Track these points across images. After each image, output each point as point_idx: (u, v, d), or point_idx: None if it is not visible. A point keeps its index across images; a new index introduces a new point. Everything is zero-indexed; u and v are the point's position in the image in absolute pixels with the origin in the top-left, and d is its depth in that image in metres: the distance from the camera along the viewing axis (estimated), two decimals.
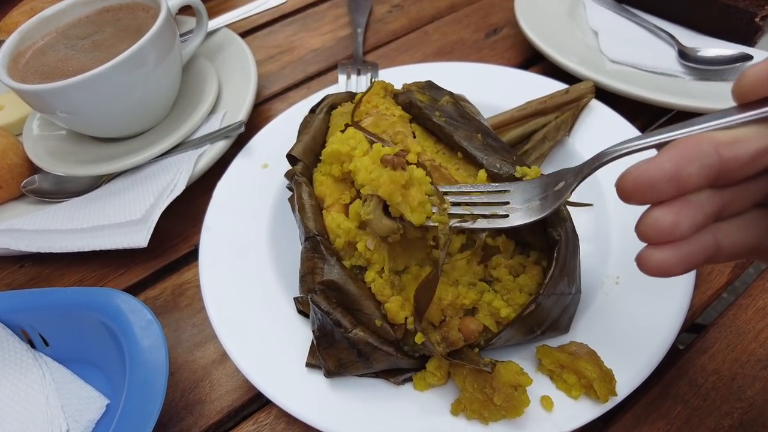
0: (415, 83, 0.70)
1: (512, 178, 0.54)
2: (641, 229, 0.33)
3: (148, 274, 0.71)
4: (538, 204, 0.46)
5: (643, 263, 0.34)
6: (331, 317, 0.48)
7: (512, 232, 0.56)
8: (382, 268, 0.50)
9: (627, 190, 0.32)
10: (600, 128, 0.72)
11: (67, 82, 0.65)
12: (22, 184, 0.76)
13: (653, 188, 0.31)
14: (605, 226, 0.64)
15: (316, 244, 0.51)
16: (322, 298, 0.49)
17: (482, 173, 0.54)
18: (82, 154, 0.78)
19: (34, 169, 0.79)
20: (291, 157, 0.61)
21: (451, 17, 1.02)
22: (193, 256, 0.72)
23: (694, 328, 0.59)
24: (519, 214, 0.46)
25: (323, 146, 0.63)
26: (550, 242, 0.50)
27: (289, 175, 0.59)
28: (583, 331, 0.54)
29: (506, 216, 0.46)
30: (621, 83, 0.78)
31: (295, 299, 0.58)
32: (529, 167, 0.54)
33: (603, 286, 0.58)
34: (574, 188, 0.43)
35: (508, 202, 0.47)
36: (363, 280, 0.51)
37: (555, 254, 0.48)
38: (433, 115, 0.62)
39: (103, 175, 0.75)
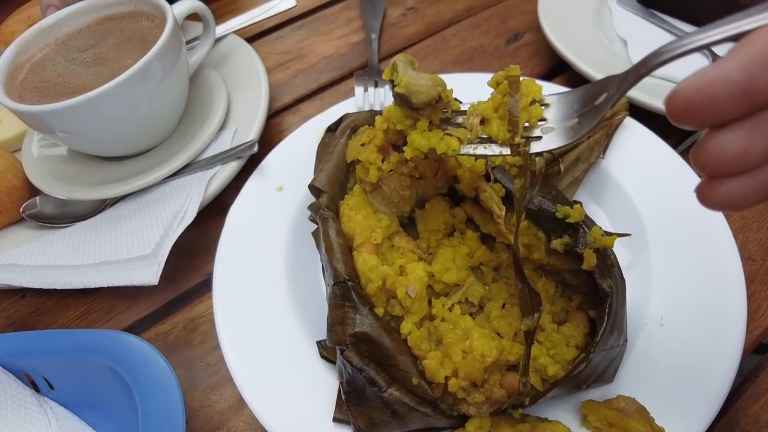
0: None
1: (552, 218, 0.50)
2: (700, 158, 0.27)
3: (157, 306, 0.67)
4: (576, 122, 0.40)
5: (703, 196, 0.28)
6: (364, 374, 0.45)
7: (553, 272, 0.52)
8: (421, 319, 0.47)
9: (680, 110, 0.26)
10: (636, 149, 0.68)
11: (69, 102, 0.60)
12: (21, 208, 0.71)
13: (715, 106, 0.24)
14: (645, 259, 0.60)
15: (347, 291, 0.48)
16: (354, 353, 0.45)
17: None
18: (85, 175, 0.74)
19: (34, 191, 0.74)
20: (314, 189, 0.56)
21: (469, 21, 0.97)
22: (205, 286, 0.68)
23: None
24: (554, 135, 0.41)
25: (348, 174, 0.58)
26: (600, 294, 0.46)
27: (313, 209, 0.55)
28: (628, 381, 0.51)
29: (539, 138, 0.41)
30: (654, 98, 0.73)
31: (319, 344, 0.54)
32: (572, 206, 0.50)
33: (646, 327, 0.54)
34: (617, 100, 0.36)
35: (545, 120, 0.42)
36: (398, 331, 0.47)
37: (606, 309, 0.45)
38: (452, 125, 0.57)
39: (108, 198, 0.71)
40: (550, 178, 0.65)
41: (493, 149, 0.43)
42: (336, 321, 0.47)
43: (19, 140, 0.80)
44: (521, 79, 0.43)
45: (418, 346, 0.45)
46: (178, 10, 0.74)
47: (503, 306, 0.51)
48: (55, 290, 0.67)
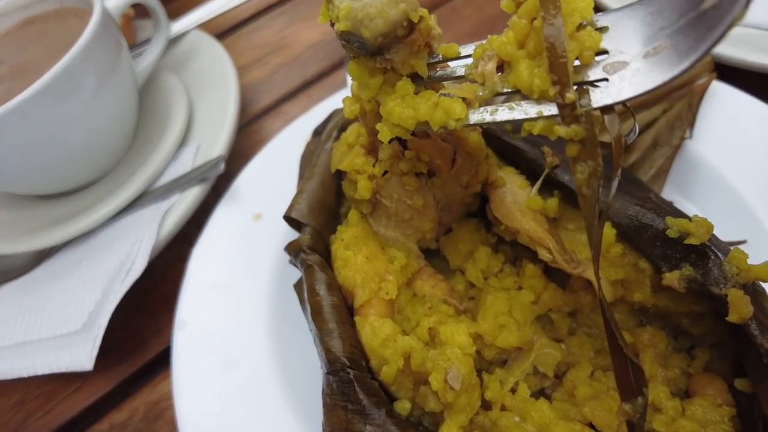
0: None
1: (660, 238, 0.32)
2: None
3: (111, 387, 0.51)
4: (669, 46, 0.24)
5: None
6: None
7: (661, 315, 0.34)
8: (471, 418, 0.29)
9: None
10: (732, 121, 0.50)
11: None
12: None
13: None
14: None
15: (348, 386, 0.30)
16: None
17: (609, 230, 0.33)
18: (19, 220, 0.58)
19: None
20: (292, 221, 0.39)
21: None
22: (169, 356, 0.51)
23: None
24: (629, 74, 0.24)
25: (339, 195, 0.41)
26: (764, 361, 0.28)
27: (292, 251, 0.38)
28: None
29: (603, 82, 0.25)
30: (747, 51, 0.55)
31: None
32: (689, 218, 0.32)
33: None
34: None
35: (605, 53, 0.25)
36: None
37: None
38: (505, 133, 0.40)
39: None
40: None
41: (526, 110, 0.26)
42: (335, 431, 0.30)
43: None
44: None
45: None
46: (114, 1, 0.58)
47: (591, 374, 0.34)
48: None
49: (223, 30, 0.83)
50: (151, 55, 0.65)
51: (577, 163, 0.26)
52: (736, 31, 0.61)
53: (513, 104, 0.27)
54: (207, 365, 0.43)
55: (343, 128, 0.43)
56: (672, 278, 0.31)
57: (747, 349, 0.30)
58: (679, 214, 0.33)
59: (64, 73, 0.49)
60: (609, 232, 0.32)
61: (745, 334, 0.28)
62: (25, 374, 0.44)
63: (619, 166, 0.27)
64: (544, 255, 0.32)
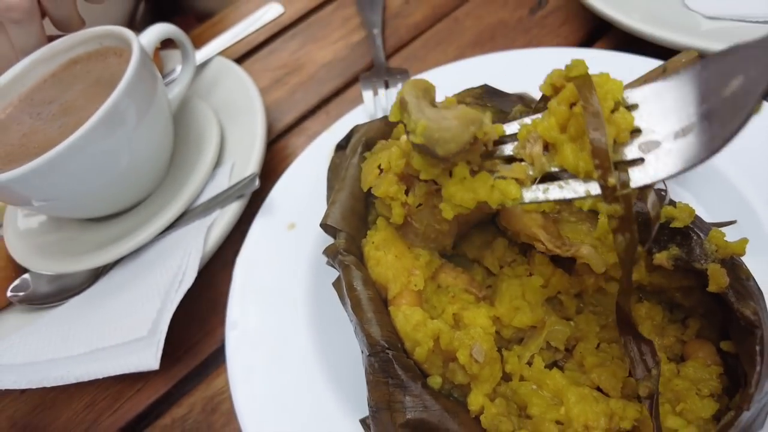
0: (469, 92, 0.54)
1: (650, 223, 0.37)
2: None
3: (170, 386, 0.57)
4: (697, 127, 0.26)
5: None
6: None
7: (656, 292, 0.39)
8: (494, 388, 0.34)
9: None
10: None
11: (27, 168, 0.51)
12: (9, 291, 0.62)
13: None
14: (763, 249, 0.46)
15: (388, 364, 0.36)
16: None
17: (604, 218, 0.38)
18: (73, 243, 0.64)
19: (21, 268, 0.65)
20: (328, 228, 0.45)
21: None
22: (221, 354, 0.57)
23: None
24: (664, 153, 0.27)
25: (367, 204, 0.47)
26: (741, 324, 0.33)
27: (330, 254, 0.44)
28: None
29: (640, 161, 0.28)
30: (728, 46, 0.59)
31: (363, 422, 0.42)
32: (675, 204, 0.37)
33: None
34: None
35: (639, 131, 0.29)
36: (465, 407, 0.35)
37: (758, 346, 0.31)
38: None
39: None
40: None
41: (574, 188, 0.30)
42: (380, 406, 0.35)
43: (0, 216, 0.71)
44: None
45: (497, 426, 0.33)
46: (147, 38, 0.65)
47: (598, 346, 0.39)
48: None
49: (241, 55, 0.89)
50: (181, 83, 0.71)
51: (617, 234, 0.30)
52: (725, 24, 0.65)
53: (562, 183, 0.31)
54: (258, 359, 0.49)
55: (367, 144, 0.48)
56: (661, 258, 0.36)
57: (729, 316, 0.34)
58: (666, 201, 0.38)
59: (112, 109, 0.55)
60: (605, 221, 0.38)
61: (726, 303, 0.33)
62: (99, 376, 0.50)
63: (653, 233, 0.30)
64: (539, 247, 0.37)
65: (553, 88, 0.31)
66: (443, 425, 0.33)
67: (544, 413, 0.34)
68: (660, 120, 0.28)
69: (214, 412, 0.54)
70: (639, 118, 0.29)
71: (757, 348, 0.31)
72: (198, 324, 0.60)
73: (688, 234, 0.35)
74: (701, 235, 0.35)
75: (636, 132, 0.29)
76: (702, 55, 0.56)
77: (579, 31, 0.74)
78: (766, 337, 0.32)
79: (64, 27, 0.67)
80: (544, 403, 0.35)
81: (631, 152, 0.28)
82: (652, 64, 0.59)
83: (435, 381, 0.36)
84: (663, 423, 0.33)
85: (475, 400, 0.34)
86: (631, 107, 0.29)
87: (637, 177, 0.28)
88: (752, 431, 0.35)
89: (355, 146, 0.51)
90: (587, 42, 0.73)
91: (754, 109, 0.24)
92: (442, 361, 0.37)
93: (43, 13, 0.64)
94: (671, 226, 0.35)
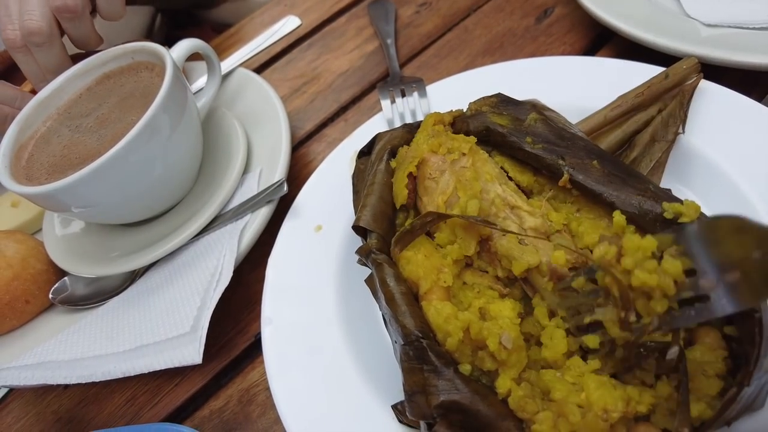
0: (485, 100, 0.57)
1: (659, 220, 0.40)
2: None
3: (207, 380, 0.60)
4: (741, 279, 0.30)
5: None
6: None
7: None
8: (520, 374, 0.38)
9: None
10: (720, 114, 0.58)
11: (74, 177, 0.55)
12: (51, 294, 0.66)
13: None
14: None
15: (422, 352, 0.39)
16: (445, 427, 0.37)
17: (619, 217, 0.41)
18: (109, 248, 0.68)
19: (60, 271, 0.69)
20: (360, 230, 0.49)
21: (490, 5, 0.88)
22: (255, 349, 0.61)
23: None
24: (724, 293, 0.31)
25: (394, 209, 0.50)
26: None
27: (363, 253, 0.47)
28: None
29: (706, 299, 0.32)
30: (728, 52, 0.62)
31: (395, 408, 0.46)
32: (681, 201, 0.40)
33: None
34: None
35: (693, 272, 0.33)
36: (493, 391, 0.38)
37: (757, 327, 0.35)
38: (524, 142, 0.49)
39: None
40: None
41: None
42: (415, 390, 0.39)
43: (39, 221, 0.75)
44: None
45: (523, 407, 0.36)
46: (177, 53, 0.68)
47: None
48: None
49: (259, 65, 0.93)
50: (208, 94, 0.74)
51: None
52: (720, 32, 0.69)
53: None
54: (293, 353, 0.53)
55: (392, 152, 0.52)
56: (670, 251, 0.39)
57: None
58: (674, 199, 0.41)
59: (151, 121, 0.58)
60: (619, 217, 0.41)
61: None
62: (145, 371, 0.53)
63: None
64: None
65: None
66: (474, 406, 0.37)
67: (566, 397, 0.37)
68: (707, 264, 0.32)
69: (251, 402, 0.57)
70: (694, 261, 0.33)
71: (756, 330, 0.35)
72: (232, 321, 0.63)
73: None
74: None
75: (691, 273, 0.33)
76: (702, 62, 0.60)
77: (584, 39, 0.78)
78: (765, 320, 0.35)
79: (83, 45, 0.72)
80: (566, 388, 0.38)
81: (695, 290, 0.33)
82: (654, 70, 0.62)
83: (465, 368, 0.40)
84: (671, 401, 0.37)
85: (503, 383, 0.38)
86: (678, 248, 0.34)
87: (705, 312, 0.32)
88: (754, 408, 0.39)
89: (381, 153, 0.54)
90: (592, 49, 0.77)
91: None
92: (471, 350, 0.40)
93: (63, 33, 0.68)
94: (679, 221, 0.39)
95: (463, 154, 0.50)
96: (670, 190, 0.46)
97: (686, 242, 0.34)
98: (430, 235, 0.47)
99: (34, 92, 0.70)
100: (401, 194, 0.49)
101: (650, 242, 0.34)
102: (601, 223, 0.44)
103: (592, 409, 0.35)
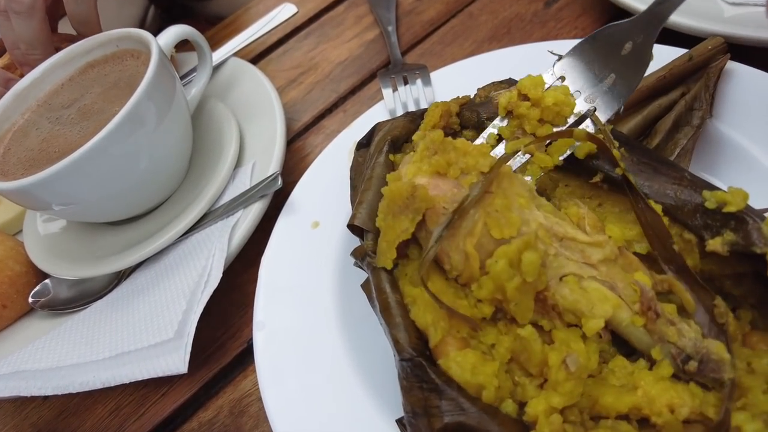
0: (494, 86, 0.53)
1: (699, 210, 0.36)
2: None
3: (196, 389, 0.56)
4: (613, 78, 0.43)
5: None
6: None
7: (705, 279, 0.38)
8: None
9: None
10: (750, 97, 0.53)
11: (49, 172, 0.51)
12: (30, 297, 0.62)
13: None
14: None
15: (420, 369, 0.35)
16: None
17: (656, 207, 0.37)
18: (93, 247, 0.64)
19: (41, 273, 0.65)
20: (356, 229, 0.44)
21: None
22: (247, 356, 0.57)
23: None
24: (604, 99, 0.43)
25: None
26: None
27: (358, 255, 0.43)
28: None
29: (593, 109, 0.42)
30: (755, 30, 0.58)
31: (399, 422, 0.41)
32: (724, 190, 0.36)
33: None
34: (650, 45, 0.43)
35: (578, 92, 0.44)
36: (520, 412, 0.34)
37: None
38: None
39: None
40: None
41: None
42: (416, 411, 0.34)
43: (20, 221, 0.71)
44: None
45: None
46: (164, 40, 0.64)
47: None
48: None
49: (255, 55, 0.88)
50: (198, 83, 0.70)
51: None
52: (748, 10, 0.65)
53: None
54: (288, 360, 0.48)
55: (393, 143, 0.48)
56: (715, 244, 0.34)
57: None
58: (713, 187, 0.37)
59: (133, 111, 0.54)
60: (656, 207, 0.36)
61: None
62: (126, 380, 0.49)
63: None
64: None
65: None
66: (483, 427, 0.32)
67: (618, 399, 0.32)
68: (586, 80, 0.44)
69: (242, 414, 0.53)
70: (572, 84, 0.44)
71: None
72: (223, 326, 0.59)
73: (743, 219, 0.34)
74: (757, 220, 0.34)
75: (576, 92, 0.44)
76: (727, 42, 0.56)
77: (597, 22, 0.73)
78: None
79: (82, 25, 0.68)
80: (615, 390, 0.33)
81: (584, 107, 0.43)
82: (676, 52, 0.58)
83: (508, 407, 0.34)
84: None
85: (536, 406, 0.32)
86: (562, 78, 0.45)
87: (601, 115, 0.43)
88: None
89: (380, 145, 0.50)
90: None
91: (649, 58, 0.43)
92: (509, 389, 0.35)
93: (63, 12, 0.64)
94: (724, 210, 0.34)
95: (483, 174, 0.39)
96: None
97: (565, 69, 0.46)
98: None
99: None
100: (390, 254, 0.39)
101: (538, 77, 0.44)
102: (628, 217, 0.39)
103: (654, 405, 0.31)
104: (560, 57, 0.47)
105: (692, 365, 0.32)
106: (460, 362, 0.34)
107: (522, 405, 0.34)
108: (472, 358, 0.34)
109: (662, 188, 0.37)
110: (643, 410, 0.31)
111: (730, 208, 0.34)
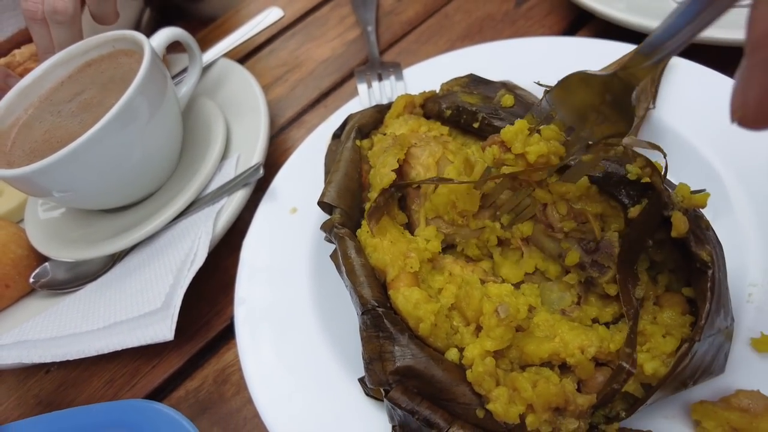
0: (456, 81, 0.58)
1: (623, 181, 0.41)
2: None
3: (184, 361, 0.61)
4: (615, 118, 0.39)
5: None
6: (417, 416, 0.36)
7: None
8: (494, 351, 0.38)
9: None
10: (692, 90, 0.58)
11: (49, 160, 0.55)
12: (31, 278, 0.67)
13: None
14: (730, 218, 0.50)
15: (378, 320, 0.40)
16: (400, 393, 0.37)
17: (583, 180, 0.41)
18: (89, 232, 0.69)
19: (41, 257, 0.70)
20: (325, 205, 0.49)
21: None
22: (230, 331, 0.61)
23: None
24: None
25: (360, 183, 0.51)
26: (697, 266, 0.36)
27: (326, 228, 0.48)
28: (744, 370, 0.41)
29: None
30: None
31: (361, 381, 0.46)
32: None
33: (751, 298, 0.45)
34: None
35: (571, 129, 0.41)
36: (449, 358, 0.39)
37: (709, 283, 0.35)
38: (495, 120, 0.49)
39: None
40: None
41: None
42: (373, 357, 0.39)
43: (22, 210, 0.76)
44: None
45: (480, 383, 0.36)
46: (157, 41, 0.69)
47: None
48: (77, 360, 0.63)
49: (243, 55, 0.93)
50: (189, 82, 0.75)
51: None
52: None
53: None
54: (264, 331, 0.53)
55: (360, 130, 0.52)
56: (635, 211, 0.39)
57: (691, 266, 0.38)
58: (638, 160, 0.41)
59: (127, 104, 0.59)
60: (583, 180, 0.41)
61: (686, 248, 0.37)
62: (119, 348, 0.54)
63: None
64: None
65: None
66: (428, 371, 0.37)
67: (540, 347, 0.37)
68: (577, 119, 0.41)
69: (225, 383, 0.58)
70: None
71: (709, 285, 0.35)
72: (208, 304, 0.64)
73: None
74: (670, 189, 0.38)
75: (570, 129, 0.41)
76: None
77: (563, 21, 0.78)
78: (717, 276, 0.35)
79: (103, 21, 0.73)
80: (538, 340, 0.38)
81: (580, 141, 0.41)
82: (628, 48, 0.62)
83: (449, 355, 0.39)
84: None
85: (472, 352, 0.37)
86: (552, 117, 0.42)
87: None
88: (711, 371, 0.39)
89: (349, 132, 0.55)
90: (571, 31, 0.77)
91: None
92: (446, 332, 0.40)
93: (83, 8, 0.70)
94: (643, 181, 0.39)
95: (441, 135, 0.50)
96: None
97: (551, 110, 0.42)
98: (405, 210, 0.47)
99: None
100: (387, 178, 0.46)
101: (520, 123, 0.41)
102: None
103: (567, 349, 0.36)
104: (549, 89, 0.44)
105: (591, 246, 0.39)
106: (407, 296, 0.40)
107: (462, 351, 0.39)
108: (417, 294, 0.40)
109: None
110: (560, 354, 0.36)
111: (647, 179, 0.38)
